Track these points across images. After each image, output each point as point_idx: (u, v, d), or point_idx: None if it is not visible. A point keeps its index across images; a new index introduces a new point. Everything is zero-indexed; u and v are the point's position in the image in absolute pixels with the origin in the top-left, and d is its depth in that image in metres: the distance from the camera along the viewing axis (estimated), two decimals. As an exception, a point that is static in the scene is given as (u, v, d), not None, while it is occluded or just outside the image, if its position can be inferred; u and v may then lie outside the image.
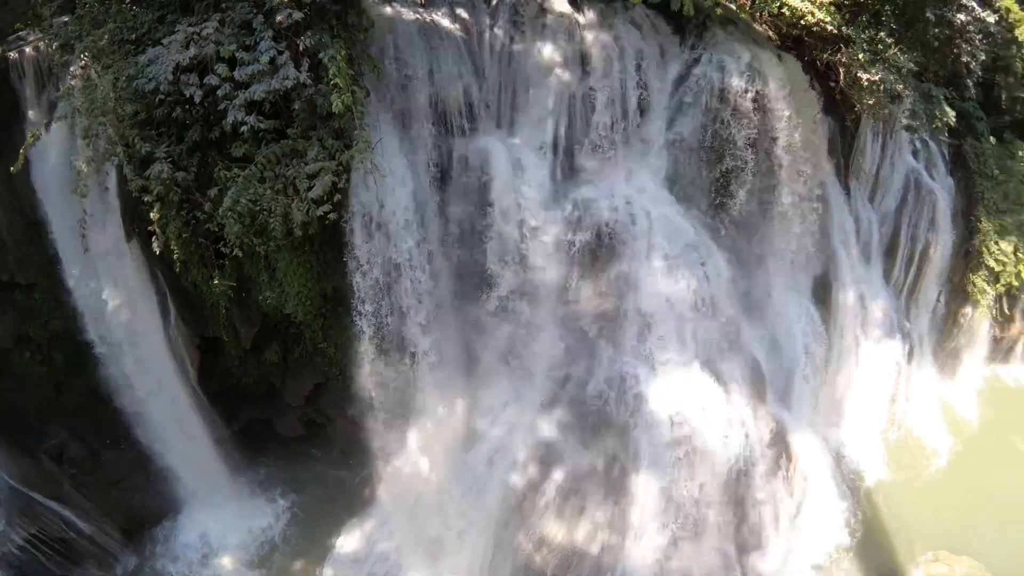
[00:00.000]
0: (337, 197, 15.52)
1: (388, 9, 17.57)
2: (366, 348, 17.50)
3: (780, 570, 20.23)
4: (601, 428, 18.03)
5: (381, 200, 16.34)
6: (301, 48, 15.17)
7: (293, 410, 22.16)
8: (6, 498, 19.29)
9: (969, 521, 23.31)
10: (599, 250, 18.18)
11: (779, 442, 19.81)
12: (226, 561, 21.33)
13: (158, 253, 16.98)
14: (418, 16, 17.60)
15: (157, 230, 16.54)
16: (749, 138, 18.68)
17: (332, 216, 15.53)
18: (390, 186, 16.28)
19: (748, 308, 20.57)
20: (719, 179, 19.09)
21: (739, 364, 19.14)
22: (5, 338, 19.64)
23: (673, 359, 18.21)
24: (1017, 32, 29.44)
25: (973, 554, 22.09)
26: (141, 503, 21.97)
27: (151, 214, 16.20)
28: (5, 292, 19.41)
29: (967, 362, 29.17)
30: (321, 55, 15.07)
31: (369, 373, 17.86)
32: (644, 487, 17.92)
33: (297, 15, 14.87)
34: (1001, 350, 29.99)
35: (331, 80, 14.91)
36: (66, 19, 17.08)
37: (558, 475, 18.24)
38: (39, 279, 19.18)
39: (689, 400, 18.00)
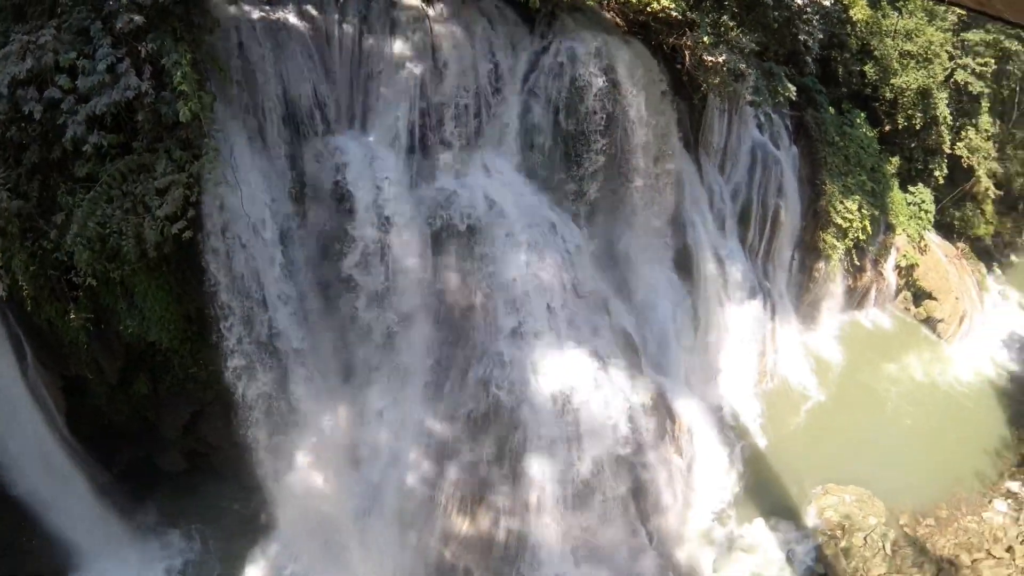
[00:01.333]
0: (191, 212, 14.86)
1: (233, 8, 16.82)
2: (238, 368, 16.82)
3: (682, 526, 21.26)
4: (488, 416, 18.17)
5: (237, 211, 15.74)
6: (143, 54, 14.36)
7: (173, 443, 20.95)
8: None
9: (849, 454, 25.42)
10: (462, 242, 18.25)
11: (661, 407, 20.72)
12: (130, 616, 19.91)
13: (4, 292, 15.81)
14: (265, 14, 16.97)
15: (0, 266, 15.42)
16: (601, 121, 19.26)
17: (187, 233, 14.83)
18: (245, 195, 15.74)
19: (614, 284, 21.36)
20: (575, 162, 19.57)
21: (612, 338, 19.81)
22: None
23: (548, 340, 18.58)
24: (852, 12, 32.24)
25: (859, 483, 24.23)
26: (32, 569, 19.77)
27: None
28: None
29: (826, 312, 31.68)
30: (164, 60, 14.32)
31: (245, 393, 17.17)
32: (538, 468, 18.21)
33: (138, 19, 14.04)
34: (856, 297, 32.74)
35: (176, 86, 14.20)
36: None
37: (453, 469, 18.28)
38: None
39: (569, 378, 18.47)
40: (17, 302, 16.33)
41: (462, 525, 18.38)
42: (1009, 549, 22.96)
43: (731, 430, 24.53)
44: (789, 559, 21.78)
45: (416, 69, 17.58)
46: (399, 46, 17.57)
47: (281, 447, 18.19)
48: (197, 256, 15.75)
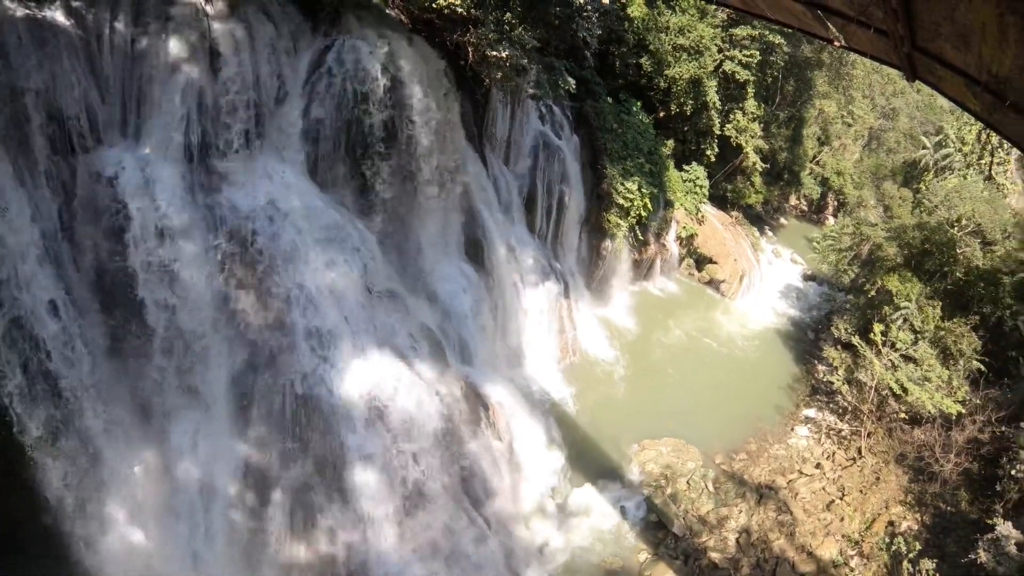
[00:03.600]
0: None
1: (-9, 4, 14.24)
2: (25, 426, 14.52)
3: (516, 506, 22.02)
4: (302, 434, 17.43)
5: (1, 243, 13.59)
6: None
7: None
8: None
9: (657, 411, 27.86)
10: (250, 255, 17.18)
11: (472, 395, 21.19)
12: None
13: None
14: (29, 13, 14.65)
15: None
16: (386, 119, 19.06)
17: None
18: (7, 223, 13.62)
19: (409, 280, 21.35)
20: (360, 163, 19.23)
21: (414, 335, 19.81)
22: None
23: (349, 346, 18.15)
24: (630, 10, 34.96)
25: (672, 434, 26.72)
26: None
27: None
28: None
29: (617, 285, 34.42)
30: None
31: (38, 455, 14.90)
32: (362, 476, 17.84)
33: None
34: (643, 269, 36.00)
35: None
36: None
37: (277, 495, 17.27)
38: None
39: (377, 381, 18.23)
40: None
41: (299, 551, 17.50)
42: (819, 465, 26.78)
43: (544, 407, 25.70)
44: (623, 515, 23.33)
45: (193, 71, 16.26)
46: (175, 47, 16.10)
47: (89, 506, 15.98)
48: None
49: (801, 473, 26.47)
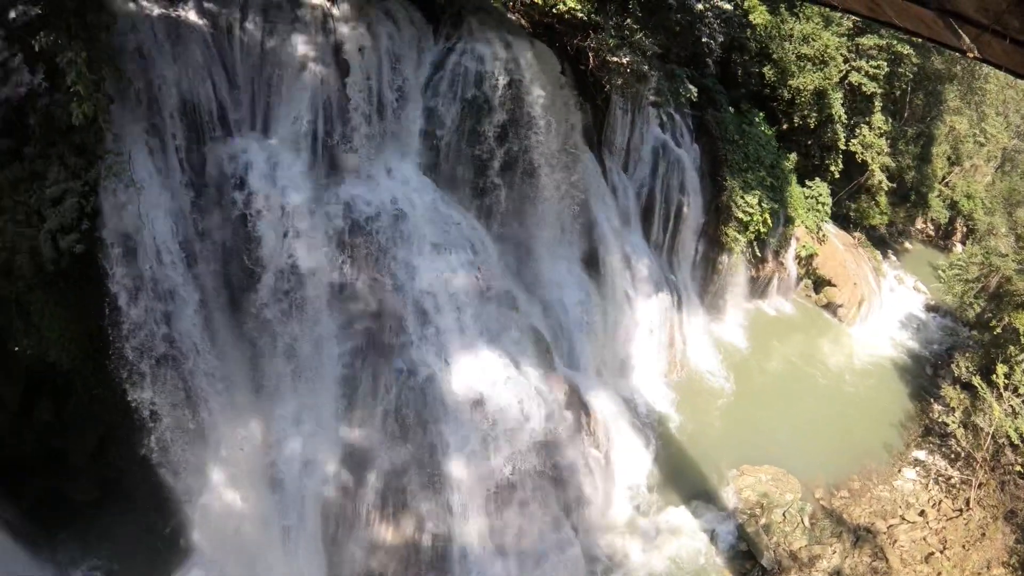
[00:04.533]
0: (86, 224, 14.12)
1: (131, 5, 15.95)
2: (144, 386, 15.94)
3: (605, 517, 21.69)
4: (403, 422, 17.90)
5: (135, 220, 15.01)
6: (37, 49, 13.42)
7: (83, 471, 19.56)
8: None
9: (761, 436, 26.62)
10: (368, 245, 17.92)
11: (575, 402, 21.00)
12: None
13: None
14: (164, 12, 16.23)
15: None
16: (506, 122, 19.39)
17: (79, 247, 14.08)
18: (145, 203, 15.03)
19: (523, 283, 21.49)
20: (480, 164, 19.61)
21: (523, 336, 19.87)
22: None
23: (459, 343, 18.49)
24: (752, 16, 33.92)
25: (774, 462, 25.43)
26: None
27: None
28: None
29: (731, 301, 33.16)
30: (58, 59, 13.38)
31: (153, 412, 16.29)
32: (458, 471, 18.09)
33: (32, 11, 13.24)
34: (759, 287, 34.48)
35: (71, 86, 13.32)
36: None
37: (372, 477, 17.88)
38: None
39: (482, 378, 18.44)
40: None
41: (386, 534, 18.05)
42: (922, 513, 24.72)
43: (645, 420, 25.21)
44: (712, 540, 22.51)
45: (319, 70, 17.24)
46: (302, 46, 17.20)
47: (195, 467, 17.40)
48: (96, 269, 14.91)
49: (903, 519, 24.52)
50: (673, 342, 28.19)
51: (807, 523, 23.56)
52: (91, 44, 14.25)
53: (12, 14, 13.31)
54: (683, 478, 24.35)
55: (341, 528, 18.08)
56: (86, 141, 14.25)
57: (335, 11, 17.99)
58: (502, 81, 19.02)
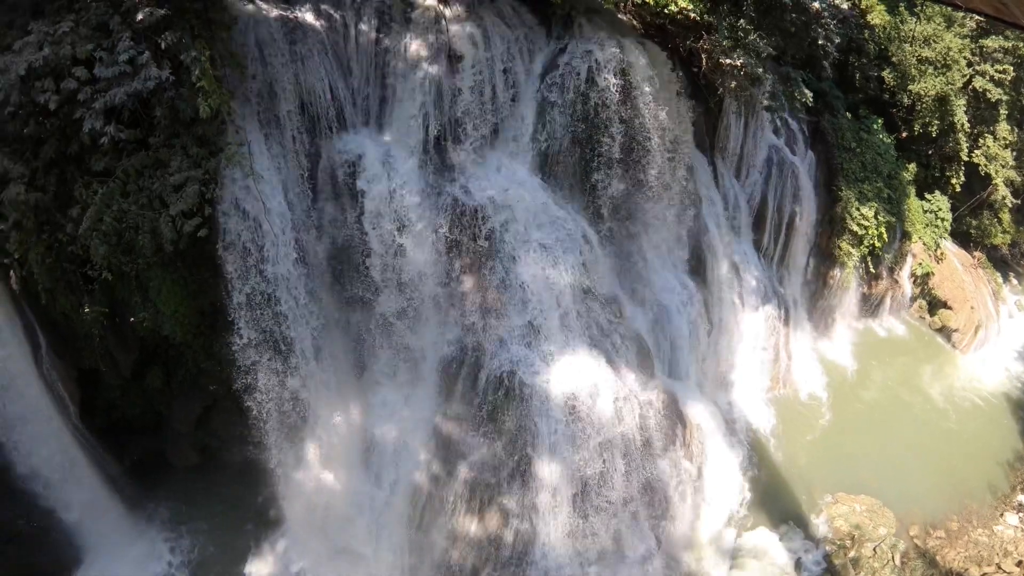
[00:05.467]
0: (207, 210, 14.94)
1: (250, 6, 16.96)
2: (251, 364, 16.84)
3: (691, 531, 21.20)
4: (499, 418, 18.08)
5: (253, 208, 15.76)
6: (163, 47, 14.37)
7: (185, 437, 21.11)
8: None
9: (860, 463, 25.20)
10: (477, 243, 18.22)
11: (672, 412, 20.58)
12: (137, 609, 20.09)
13: (18, 285, 15.91)
14: (281, 12, 17.11)
15: (16, 258, 15.44)
16: (616, 124, 19.11)
17: (202, 231, 14.91)
18: (261, 193, 15.75)
19: (628, 286, 21.16)
20: (590, 165, 19.44)
21: (624, 341, 19.61)
22: None
23: (560, 343, 18.46)
24: (870, 17, 32.01)
25: (870, 492, 24.02)
26: (39, 559, 19.94)
27: (8, 242, 15.08)
28: None
29: (840, 319, 31.44)
30: (183, 56, 14.34)
31: (257, 389, 17.16)
32: (548, 470, 18.10)
33: (159, 12, 14.11)
34: (871, 305, 32.50)
35: (196, 83, 14.24)
36: None
37: (463, 469, 18.20)
38: None
39: (580, 381, 18.31)
40: (32, 294, 16.46)
41: (470, 525, 18.33)
42: (1020, 564, 22.78)
43: (742, 436, 24.42)
44: (798, 567, 21.64)
45: (432, 69, 17.57)
46: (415, 46, 17.59)
47: (292, 443, 18.23)
48: (212, 252, 15.79)
49: (999, 568, 22.51)
50: (777, 358, 27.12)
51: (898, 561, 22.18)
52: (213, 43, 15.23)
53: (140, 16, 14.20)
54: (775, 500, 23.42)
55: (427, 515, 18.54)
56: (208, 133, 15.12)
57: (447, 11, 18.27)
58: (613, 82, 18.74)
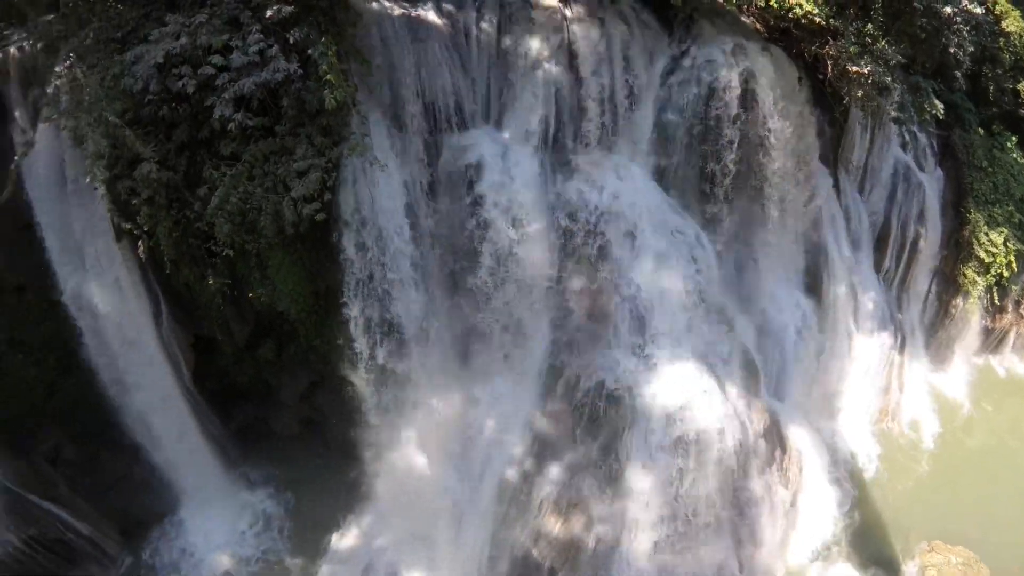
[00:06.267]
0: (327, 196, 15.49)
1: (375, 4, 17.60)
2: (359, 345, 17.49)
3: (777, 561, 20.38)
4: (597, 422, 18.00)
5: (371, 197, 16.29)
6: (291, 42, 15.11)
7: (289, 408, 22.12)
8: (3, 500, 19.29)
9: (963, 512, 23.41)
10: (590, 244, 18.19)
11: (773, 434, 19.86)
12: (224, 558, 21.44)
13: (145, 255, 17.00)
14: (404, 11, 17.67)
15: (145, 231, 16.50)
16: (738, 131, 18.68)
17: (321, 215, 15.51)
18: (381, 183, 16.25)
19: (740, 300, 20.63)
20: (709, 171, 19.08)
21: (732, 356, 19.17)
22: (-4, 340, 19.60)
23: (667, 352, 18.20)
24: (1005, 24, 29.57)
25: (968, 544, 22.20)
26: (138, 503, 21.97)
27: (139, 215, 16.13)
28: (-4, 295, 19.40)
29: (959, 352, 29.26)
30: (310, 51, 15.00)
31: (363, 370, 17.82)
32: (640, 481, 17.91)
33: (287, 9, 14.83)
34: (993, 340, 30.10)
35: (322, 76, 14.84)
36: (50, 18, 17.00)
37: (555, 469, 18.25)
38: (30, 281, 19.11)
39: (684, 394, 17.98)
40: (158, 264, 17.56)
41: (554, 525, 18.32)
42: None
43: (842, 467, 23.15)
44: (879, 614, 20.27)
45: (552, 69, 17.66)
46: (536, 45, 17.69)
47: (390, 424, 18.82)
48: (330, 237, 16.44)
49: None
50: (888, 388, 25.61)
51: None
52: (339, 38, 15.83)
53: (269, 12, 14.93)
54: (867, 540, 22.10)
55: (512, 510, 18.67)
56: (332, 124, 15.66)
57: (568, 12, 18.27)
58: (736, 88, 18.33)
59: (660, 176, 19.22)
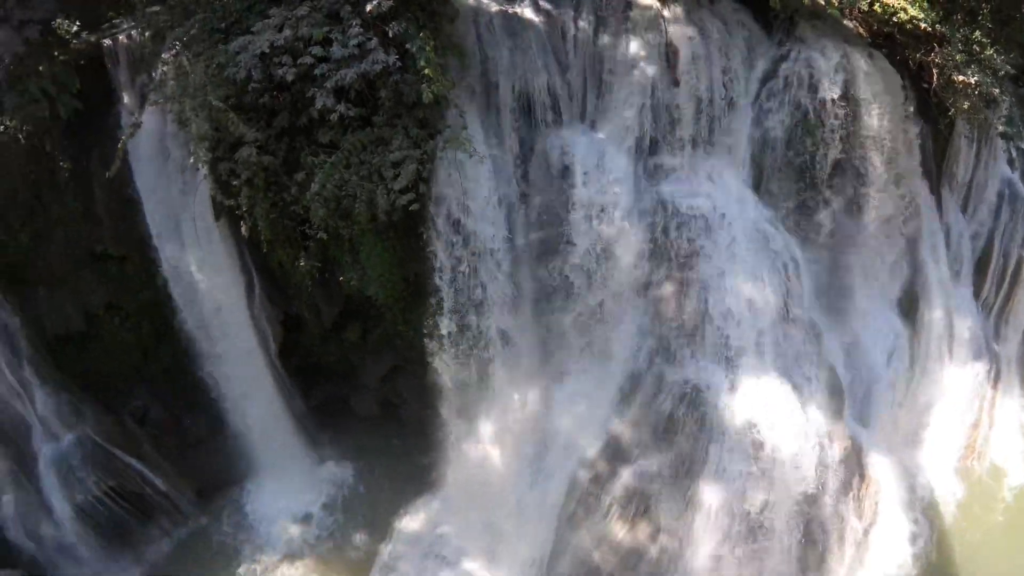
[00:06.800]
0: (422, 187, 15.83)
1: (472, 0, 17.81)
2: (443, 334, 17.75)
3: (840, 596, 19.52)
4: (673, 431, 17.77)
5: (464, 190, 16.54)
6: (390, 35, 15.48)
7: (370, 390, 22.78)
8: (89, 452, 20.76)
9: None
10: (680, 250, 17.92)
11: (853, 461, 19.02)
12: (292, 528, 22.26)
13: (246, 234, 17.71)
14: (501, 8, 17.84)
15: (244, 211, 17.18)
16: (839, 140, 18.07)
17: (415, 205, 15.84)
18: (474, 176, 16.47)
19: (830, 317, 19.85)
20: (805, 181, 18.53)
21: (818, 376, 18.48)
22: (97, 305, 20.93)
23: (751, 366, 17.76)
24: None
25: None
26: (215, 467, 23.15)
27: (238, 197, 16.85)
28: (100, 264, 20.63)
29: (1057, 390, 27.35)
30: (408, 45, 15.34)
31: (445, 359, 18.08)
32: (710, 495, 17.60)
33: (386, 3, 15.19)
34: (1096, 382, 28.08)
35: (420, 70, 15.17)
36: (157, 8, 17.93)
37: (626, 475, 18.08)
38: (132, 252, 20.31)
39: (764, 411, 17.52)
40: (254, 243, 18.31)
41: (620, 531, 18.19)
42: None
43: (920, 504, 21.57)
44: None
45: (649, 70, 17.43)
46: (633, 46, 17.50)
47: (467, 415, 19.04)
48: (422, 226, 16.78)
49: None
50: (978, 423, 23.92)
51: None
52: (437, 33, 16.08)
53: (368, 6, 15.31)
54: (938, 585, 20.79)
55: (579, 511, 18.57)
56: (428, 116, 15.99)
57: (666, 12, 18.00)
58: (836, 95, 17.72)
59: (755, 183, 18.75)
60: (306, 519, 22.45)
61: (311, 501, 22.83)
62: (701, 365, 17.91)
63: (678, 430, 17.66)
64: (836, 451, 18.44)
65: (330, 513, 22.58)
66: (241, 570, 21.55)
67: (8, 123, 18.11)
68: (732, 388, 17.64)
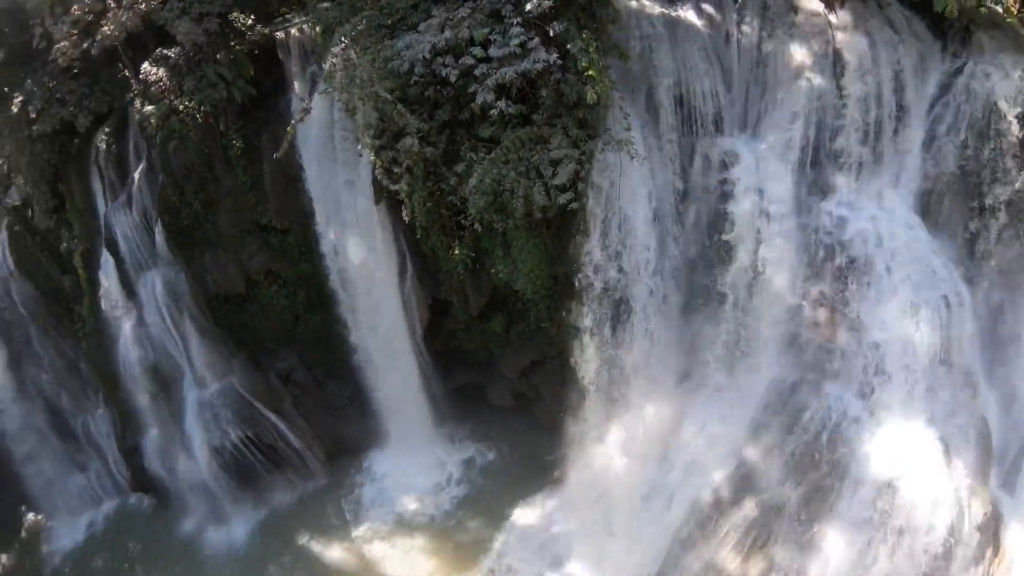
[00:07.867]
0: (580, 186, 16.04)
1: (634, 3, 17.76)
2: (587, 337, 17.78)
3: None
4: (805, 466, 16.84)
5: (621, 193, 16.55)
6: (551, 35, 15.76)
7: (507, 381, 23.22)
8: (233, 402, 22.80)
9: None
10: (838, 274, 16.90)
11: (990, 530, 16.93)
12: (409, 503, 23.22)
13: (406, 219, 18.60)
14: (664, 11, 17.68)
15: (404, 198, 18.07)
16: (1018, 164, 16.34)
17: (573, 205, 16.08)
18: (633, 180, 16.47)
19: (991, 364, 17.82)
20: (979, 208, 16.87)
21: (968, 429, 16.71)
22: (257, 271, 22.67)
23: (897, 408, 16.44)
24: None
25: None
26: (348, 433, 24.62)
27: (399, 183, 17.72)
28: (263, 234, 22.36)
29: None
30: (569, 45, 15.55)
31: (586, 361, 18.14)
32: (833, 542, 16.48)
33: (547, 3, 15.45)
34: None
35: (582, 71, 15.35)
36: (327, 5, 19.15)
37: (749, 503, 17.19)
38: (293, 226, 21.91)
39: (904, 460, 16.16)
40: (410, 228, 19.23)
41: (731, 561, 17.30)
42: None
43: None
44: None
45: (815, 79, 16.66)
46: (799, 53, 16.82)
47: (599, 419, 19.00)
48: (575, 226, 16.94)
49: None
50: None
51: None
52: (598, 35, 16.20)
53: (528, 6, 15.60)
54: None
55: (696, 533, 17.90)
56: (588, 117, 16.16)
57: (833, 18, 17.15)
58: (1015, 114, 16.00)
59: (923, 208, 17.31)
60: (425, 496, 23.30)
61: (433, 480, 23.74)
62: (846, 400, 16.87)
63: (812, 467, 16.70)
64: (975, 516, 16.50)
65: (449, 494, 23.32)
66: (356, 532, 22.77)
67: (188, 104, 20.04)
68: (875, 430, 16.45)
